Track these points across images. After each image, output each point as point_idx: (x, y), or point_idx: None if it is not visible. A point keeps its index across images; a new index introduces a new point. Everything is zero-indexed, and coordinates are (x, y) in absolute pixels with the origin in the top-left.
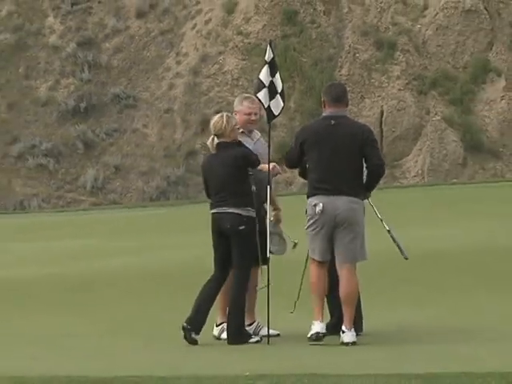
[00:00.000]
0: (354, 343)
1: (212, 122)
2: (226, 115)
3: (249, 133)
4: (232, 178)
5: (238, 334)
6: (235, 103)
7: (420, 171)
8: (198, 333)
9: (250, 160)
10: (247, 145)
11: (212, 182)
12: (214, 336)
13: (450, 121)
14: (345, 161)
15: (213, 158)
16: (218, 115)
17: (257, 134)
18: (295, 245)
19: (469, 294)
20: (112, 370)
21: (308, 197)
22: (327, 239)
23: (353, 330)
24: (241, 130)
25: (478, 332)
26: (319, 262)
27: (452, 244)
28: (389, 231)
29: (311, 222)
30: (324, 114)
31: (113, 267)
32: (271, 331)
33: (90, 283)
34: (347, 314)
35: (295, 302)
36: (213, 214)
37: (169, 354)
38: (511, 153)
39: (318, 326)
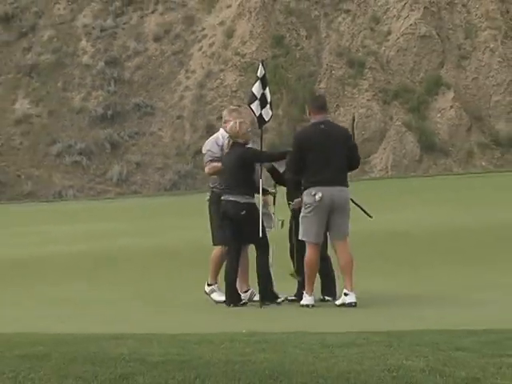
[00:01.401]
0: (355, 304)
1: (228, 127)
2: (240, 122)
3: None
4: (236, 172)
5: (269, 295)
6: (224, 114)
7: (384, 166)
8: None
9: (255, 156)
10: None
11: (224, 174)
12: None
13: (409, 125)
14: (336, 157)
15: (227, 155)
16: (233, 122)
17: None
18: (282, 223)
19: (434, 268)
20: (129, 330)
21: (305, 188)
22: (322, 224)
23: (354, 292)
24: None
25: (444, 299)
26: (314, 244)
27: (417, 226)
28: (351, 200)
29: (310, 208)
30: (313, 121)
31: (133, 245)
32: None
33: (113, 259)
34: (348, 279)
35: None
36: (222, 200)
37: (178, 317)
38: (458, 151)
39: (309, 299)
